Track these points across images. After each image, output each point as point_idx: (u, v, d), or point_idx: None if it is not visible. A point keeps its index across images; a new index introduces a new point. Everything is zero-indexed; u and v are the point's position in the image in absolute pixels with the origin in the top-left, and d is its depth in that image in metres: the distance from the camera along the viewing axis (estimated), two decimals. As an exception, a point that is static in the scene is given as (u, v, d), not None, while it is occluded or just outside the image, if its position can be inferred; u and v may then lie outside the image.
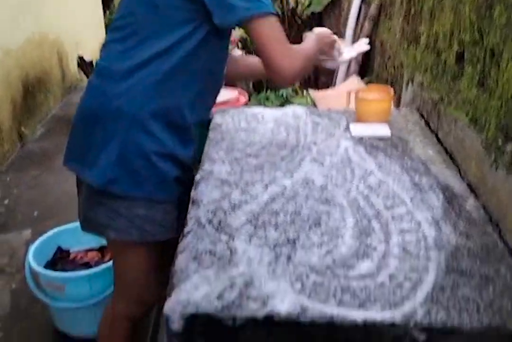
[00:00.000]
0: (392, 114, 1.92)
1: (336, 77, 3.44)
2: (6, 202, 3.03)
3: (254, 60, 1.70)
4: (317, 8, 4.50)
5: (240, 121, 1.92)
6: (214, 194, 1.40)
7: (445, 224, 1.29)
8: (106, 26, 5.56)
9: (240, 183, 1.46)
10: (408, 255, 1.17)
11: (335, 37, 1.71)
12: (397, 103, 2.33)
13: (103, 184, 1.35)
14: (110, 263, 2.00)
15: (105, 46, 1.41)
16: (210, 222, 1.29)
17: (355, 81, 2.77)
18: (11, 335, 2.15)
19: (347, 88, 2.45)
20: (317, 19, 4.67)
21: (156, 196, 1.38)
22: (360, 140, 1.75)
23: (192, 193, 1.42)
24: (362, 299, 1.03)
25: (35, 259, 2.07)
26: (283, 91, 4.12)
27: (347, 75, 3.23)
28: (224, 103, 3.11)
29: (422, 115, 1.96)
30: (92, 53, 4.52)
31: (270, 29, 1.28)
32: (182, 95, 1.37)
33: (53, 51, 4.28)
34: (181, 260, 1.15)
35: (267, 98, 4.03)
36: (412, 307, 1.00)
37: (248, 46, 4.84)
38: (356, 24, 3.52)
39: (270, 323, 0.99)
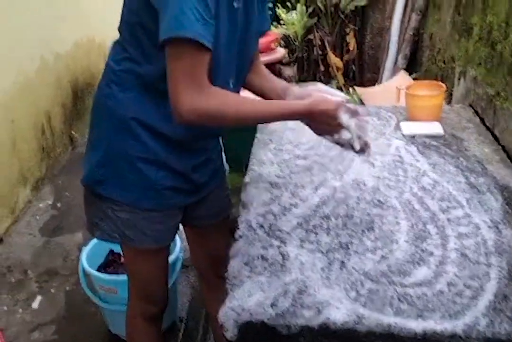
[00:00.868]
0: (444, 111, 1.85)
1: (382, 73, 3.36)
2: (58, 205, 3.10)
3: (269, 86, 1.42)
4: (361, 1, 4.41)
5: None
6: (263, 197, 1.39)
7: (505, 227, 1.24)
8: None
9: (290, 185, 1.44)
10: (467, 260, 1.12)
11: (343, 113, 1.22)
12: (449, 99, 2.26)
13: (90, 184, 1.34)
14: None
15: (113, 44, 1.34)
16: (261, 226, 1.27)
17: (403, 77, 2.70)
18: (65, 337, 2.19)
19: (395, 85, 2.40)
20: (360, 14, 4.58)
21: (141, 203, 1.31)
22: (411, 139, 1.70)
23: (242, 196, 1.40)
24: (420, 308, 0.99)
25: (88, 261, 2.11)
26: (328, 88, 4.07)
27: (394, 71, 3.15)
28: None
29: (476, 112, 1.89)
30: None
31: (181, 58, 1.09)
32: (163, 112, 1.24)
33: (100, 55, 4.36)
34: (234, 265, 1.15)
35: (312, 96, 3.99)
36: (473, 317, 0.96)
37: (291, 43, 4.81)
38: (403, 16, 3.43)
39: (325, 332, 0.97)
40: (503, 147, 1.62)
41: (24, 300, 2.39)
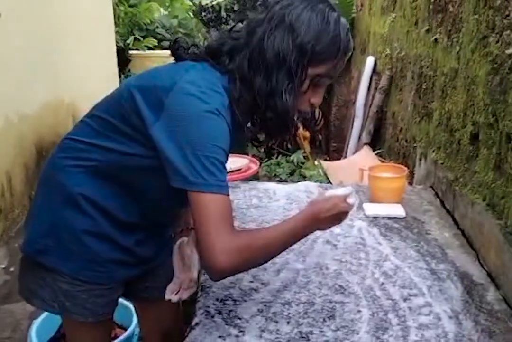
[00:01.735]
0: (406, 192, 1.89)
1: (347, 146, 3.45)
2: (12, 269, 2.98)
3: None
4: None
5: (251, 197, 1.90)
6: (223, 281, 1.35)
7: (465, 318, 1.23)
8: (122, 90, 5.66)
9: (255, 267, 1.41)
10: (428, 355, 1.11)
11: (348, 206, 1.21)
12: (411, 178, 2.31)
13: (32, 253, 1.30)
14: (118, 340, 1.93)
15: (81, 122, 1.31)
16: (219, 312, 1.23)
17: (367, 153, 2.77)
18: None
19: (359, 160, 2.45)
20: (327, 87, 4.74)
21: (83, 274, 1.28)
22: (374, 220, 1.71)
23: (201, 278, 1.37)
24: None
25: (39, 334, 2.01)
26: (294, 157, 4.14)
27: (358, 145, 3.23)
28: (235, 171, 3.11)
29: (436, 194, 1.93)
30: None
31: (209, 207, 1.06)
32: (117, 195, 1.25)
33: (69, 114, 4.36)
34: (189, 356, 1.10)
35: (278, 164, 4.05)
36: None
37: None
38: (367, 93, 3.56)
39: None
40: (463, 232, 1.64)
41: (-36, 376, 2.24)
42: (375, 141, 3.26)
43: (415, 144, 2.36)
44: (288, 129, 1.24)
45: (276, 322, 1.21)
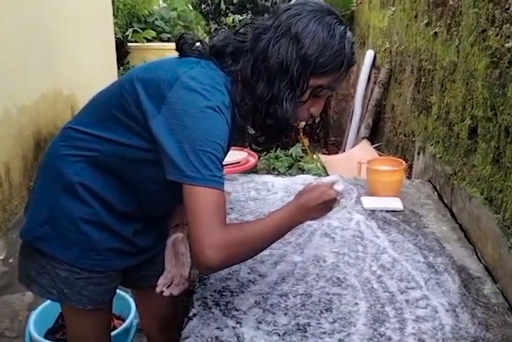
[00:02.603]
0: (404, 185, 1.89)
1: (346, 140, 3.44)
2: (10, 260, 2.98)
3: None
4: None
5: (249, 190, 1.90)
6: (221, 272, 1.36)
7: (462, 311, 1.24)
8: (120, 82, 5.65)
9: (248, 260, 1.41)
10: (425, 347, 1.11)
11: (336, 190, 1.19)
12: (409, 172, 2.31)
13: (31, 240, 1.31)
14: (116, 331, 1.94)
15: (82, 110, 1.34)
16: (217, 304, 1.24)
17: (365, 146, 2.77)
18: None
19: (357, 154, 2.45)
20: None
21: (81, 262, 1.29)
22: (372, 213, 1.72)
23: (198, 271, 1.37)
24: None
25: (37, 324, 2.01)
26: (293, 151, 4.14)
27: (357, 138, 3.23)
28: (233, 164, 3.11)
29: (435, 188, 1.94)
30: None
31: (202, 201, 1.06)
32: (115, 185, 1.26)
33: (67, 106, 4.35)
34: (186, 348, 1.10)
35: (277, 158, 4.04)
36: None
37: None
38: (366, 87, 3.56)
39: None
40: (460, 226, 1.65)
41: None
42: (374, 135, 3.26)
43: (413, 138, 2.36)
44: (287, 135, 1.24)
45: (274, 313, 1.21)
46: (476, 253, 1.50)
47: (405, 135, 2.54)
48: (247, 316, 1.20)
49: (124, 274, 1.41)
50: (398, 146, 2.64)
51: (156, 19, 7.32)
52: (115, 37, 6.13)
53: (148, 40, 6.98)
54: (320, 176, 2.54)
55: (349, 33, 1.17)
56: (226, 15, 5.53)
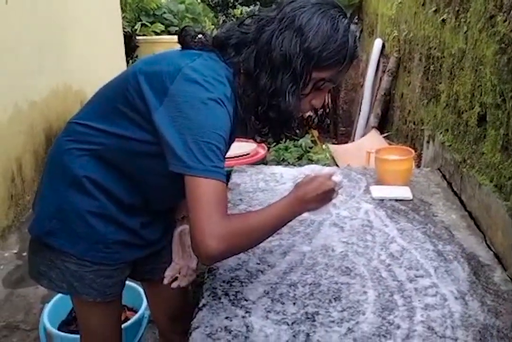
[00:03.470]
0: (414, 174, 1.88)
1: (355, 130, 3.43)
2: (24, 254, 3.02)
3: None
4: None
5: (258, 181, 1.90)
6: (230, 262, 1.37)
7: (471, 299, 1.23)
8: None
9: (257, 250, 1.42)
10: (434, 334, 1.11)
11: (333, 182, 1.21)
12: (418, 160, 2.30)
13: (39, 234, 1.32)
14: (128, 322, 1.96)
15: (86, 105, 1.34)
16: (226, 294, 1.25)
17: (374, 136, 2.75)
18: None
19: (366, 143, 2.44)
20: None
21: (90, 256, 1.30)
22: (380, 202, 1.71)
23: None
24: (386, 387, 0.97)
25: (51, 317, 2.04)
26: (302, 141, 4.13)
27: (366, 128, 3.22)
28: (243, 156, 3.11)
29: (444, 176, 1.93)
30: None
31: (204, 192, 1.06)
32: (120, 179, 1.27)
33: (77, 101, 4.37)
34: (196, 337, 1.11)
35: (286, 149, 4.04)
36: None
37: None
38: (375, 76, 3.54)
39: None
40: (470, 214, 1.64)
41: (-21, 357, 2.29)
42: (383, 125, 3.24)
43: (422, 127, 2.35)
44: (291, 128, 1.25)
45: (283, 303, 1.22)
46: (486, 241, 1.49)
47: (414, 123, 2.53)
48: (256, 305, 1.20)
49: (133, 267, 1.42)
50: (408, 135, 2.63)
51: (164, 12, 7.31)
52: (124, 31, 6.15)
53: (157, 34, 6.98)
54: (328, 166, 2.54)
55: (352, 27, 1.17)
56: (234, 7, 5.52)
